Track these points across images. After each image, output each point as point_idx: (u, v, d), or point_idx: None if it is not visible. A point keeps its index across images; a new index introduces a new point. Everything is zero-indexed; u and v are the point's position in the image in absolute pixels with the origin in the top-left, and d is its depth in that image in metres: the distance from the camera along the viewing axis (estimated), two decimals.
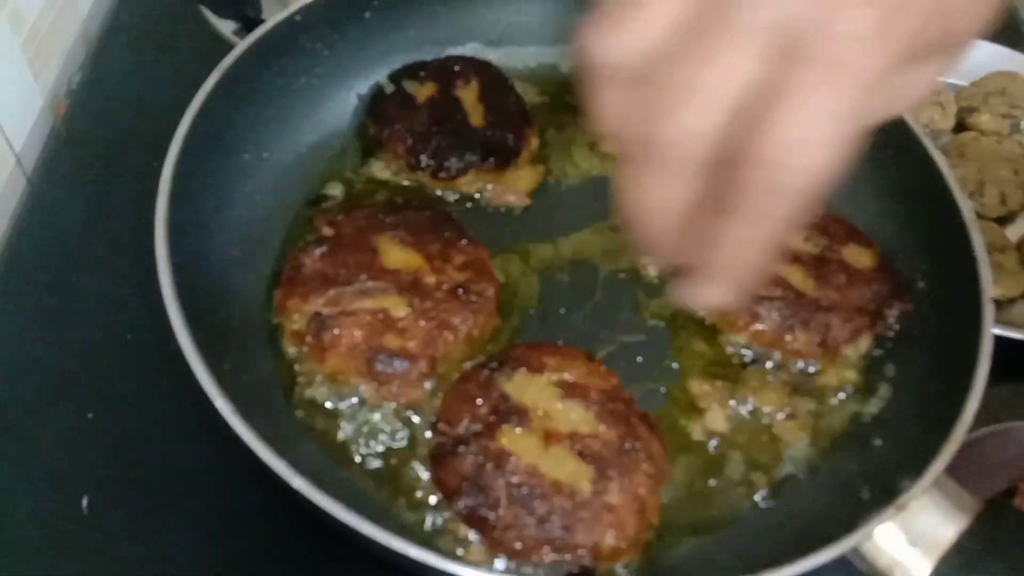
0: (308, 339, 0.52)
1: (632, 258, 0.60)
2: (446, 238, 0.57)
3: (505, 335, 0.56)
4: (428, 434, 0.51)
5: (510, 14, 0.71)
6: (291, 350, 0.54)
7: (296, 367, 0.53)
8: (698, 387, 0.55)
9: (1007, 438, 0.57)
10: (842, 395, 0.55)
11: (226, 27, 0.80)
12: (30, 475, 0.56)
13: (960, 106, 0.81)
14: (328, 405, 0.52)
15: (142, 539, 0.54)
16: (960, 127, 0.81)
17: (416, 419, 0.52)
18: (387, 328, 0.52)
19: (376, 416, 0.52)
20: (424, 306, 0.53)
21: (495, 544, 0.47)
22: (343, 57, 0.66)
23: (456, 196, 0.63)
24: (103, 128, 0.74)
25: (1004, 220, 0.74)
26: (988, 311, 0.51)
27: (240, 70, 0.58)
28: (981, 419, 0.48)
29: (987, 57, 0.83)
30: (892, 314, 0.56)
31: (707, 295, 0.36)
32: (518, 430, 0.49)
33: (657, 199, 0.33)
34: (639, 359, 0.56)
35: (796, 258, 0.57)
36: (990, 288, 0.52)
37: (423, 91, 0.65)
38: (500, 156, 0.63)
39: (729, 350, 0.57)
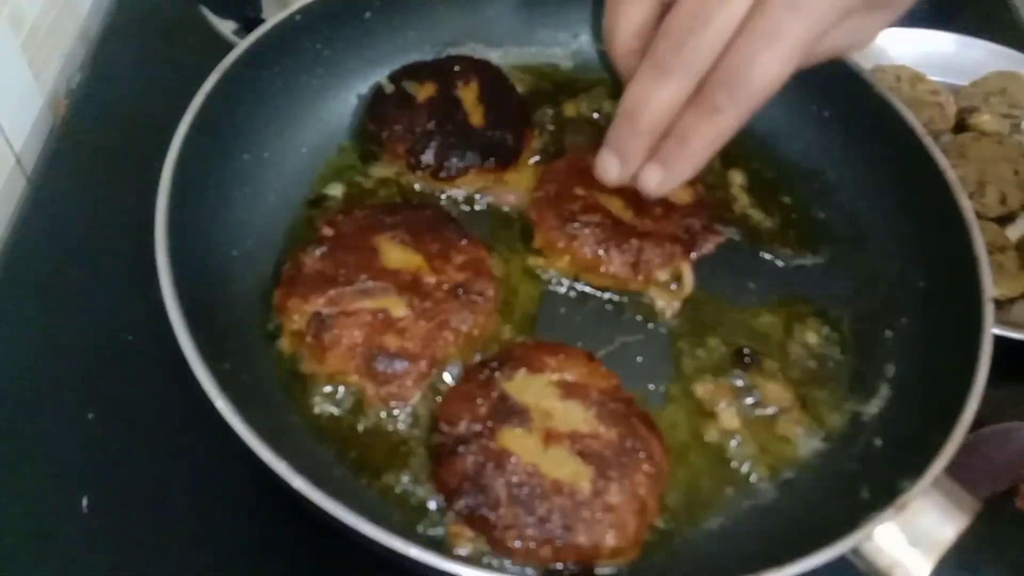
0: (308, 339, 0.52)
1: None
2: (446, 238, 0.57)
3: (505, 335, 0.56)
4: (428, 434, 0.51)
5: (510, 14, 0.71)
6: (291, 350, 0.54)
7: (296, 367, 0.53)
8: (699, 387, 0.55)
9: (1007, 438, 0.57)
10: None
11: (226, 27, 0.80)
12: (30, 475, 0.56)
13: (960, 106, 0.81)
14: (328, 405, 0.52)
15: (142, 539, 0.54)
16: (960, 127, 0.81)
17: (416, 419, 0.52)
18: (387, 328, 0.52)
19: (376, 416, 0.52)
20: (424, 306, 0.53)
21: (495, 544, 0.47)
22: (343, 57, 0.66)
23: (456, 196, 0.63)
24: (103, 128, 0.75)
25: (1004, 220, 0.74)
26: (988, 311, 0.51)
27: (240, 70, 0.58)
28: (981, 419, 0.48)
29: (987, 57, 0.83)
30: (707, 246, 0.60)
31: (656, 178, 0.48)
32: (518, 430, 0.49)
33: (663, 99, 0.44)
34: (639, 359, 0.56)
35: (619, 191, 0.58)
36: (990, 288, 0.52)
37: (423, 91, 0.65)
38: (500, 156, 0.63)
39: (554, 285, 0.59)
